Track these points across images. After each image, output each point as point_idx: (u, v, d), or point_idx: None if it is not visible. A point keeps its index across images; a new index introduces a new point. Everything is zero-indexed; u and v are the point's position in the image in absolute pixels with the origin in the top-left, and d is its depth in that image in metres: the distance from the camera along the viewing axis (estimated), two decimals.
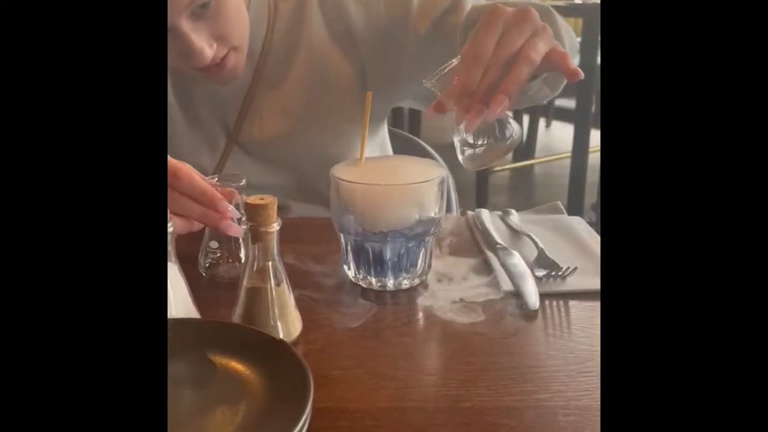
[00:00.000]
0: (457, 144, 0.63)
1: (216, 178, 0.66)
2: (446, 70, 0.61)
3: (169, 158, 0.63)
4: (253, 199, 0.52)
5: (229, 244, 0.67)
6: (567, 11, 2.35)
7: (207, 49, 0.74)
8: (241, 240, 0.67)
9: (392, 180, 0.63)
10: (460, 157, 0.64)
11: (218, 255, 0.67)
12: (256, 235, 0.52)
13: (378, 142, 1.01)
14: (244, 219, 0.53)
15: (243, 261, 0.67)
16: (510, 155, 3.42)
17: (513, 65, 0.58)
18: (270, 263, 0.54)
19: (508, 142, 0.62)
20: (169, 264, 0.52)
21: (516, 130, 0.63)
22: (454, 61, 0.61)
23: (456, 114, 0.59)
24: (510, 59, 0.58)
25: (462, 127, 0.60)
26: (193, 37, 0.72)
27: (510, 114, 0.63)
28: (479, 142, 0.62)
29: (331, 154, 0.88)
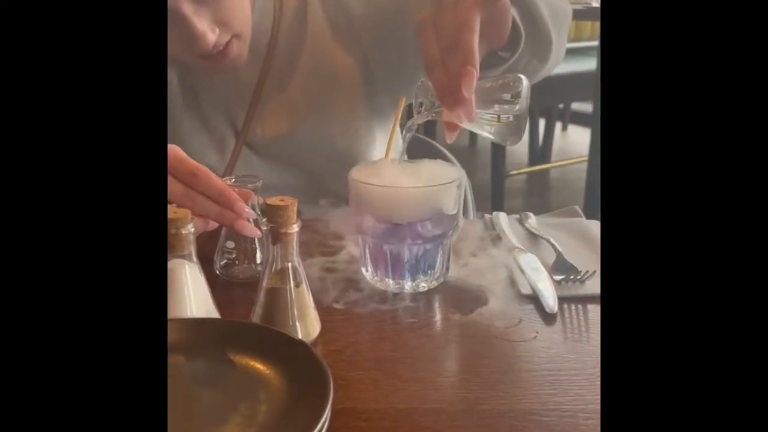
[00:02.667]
0: (485, 134, 0.63)
1: (233, 179, 0.67)
2: (420, 98, 0.63)
3: (188, 158, 0.63)
4: (274, 200, 0.52)
5: (245, 244, 0.68)
6: (584, 14, 2.34)
7: (209, 33, 0.73)
8: (256, 241, 0.67)
9: (411, 182, 0.63)
10: (499, 141, 0.63)
11: (234, 255, 0.68)
12: (276, 236, 0.53)
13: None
14: (264, 220, 0.53)
15: (258, 261, 0.68)
16: (526, 159, 3.37)
17: (458, 36, 0.58)
18: (289, 264, 0.54)
19: (522, 89, 0.61)
20: (189, 264, 0.53)
21: (523, 80, 0.62)
22: (422, 81, 0.63)
23: (464, 117, 0.60)
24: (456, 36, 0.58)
25: (471, 122, 0.60)
26: (196, 21, 0.72)
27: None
28: (506, 108, 0.61)
29: (338, 149, 0.88)
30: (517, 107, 0.61)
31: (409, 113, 0.67)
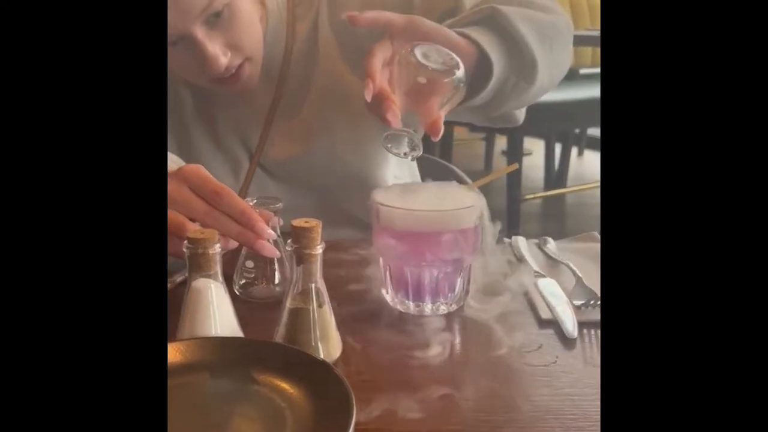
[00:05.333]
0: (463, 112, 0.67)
1: (254, 201, 0.67)
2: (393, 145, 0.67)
3: (212, 178, 0.65)
4: (299, 222, 0.53)
5: (265, 264, 0.68)
6: (598, 41, 2.35)
7: (221, 56, 0.75)
8: (276, 261, 0.68)
9: (433, 205, 0.63)
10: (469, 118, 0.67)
11: (253, 275, 0.68)
12: (300, 257, 0.53)
13: (405, 162, 1.02)
14: (288, 241, 0.54)
15: (277, 282, 0.68)
16: (542, 184, 3.35)
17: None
18: (313, 285, 0.54)
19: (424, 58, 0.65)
20: (215, 283, 0.54)
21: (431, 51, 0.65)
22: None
23: (389, 119, 0.64)
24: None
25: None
26: (208, 44, 0.74)
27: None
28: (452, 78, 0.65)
29: (351, 170, 0.90)
30: (457, 72, 0.65)
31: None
